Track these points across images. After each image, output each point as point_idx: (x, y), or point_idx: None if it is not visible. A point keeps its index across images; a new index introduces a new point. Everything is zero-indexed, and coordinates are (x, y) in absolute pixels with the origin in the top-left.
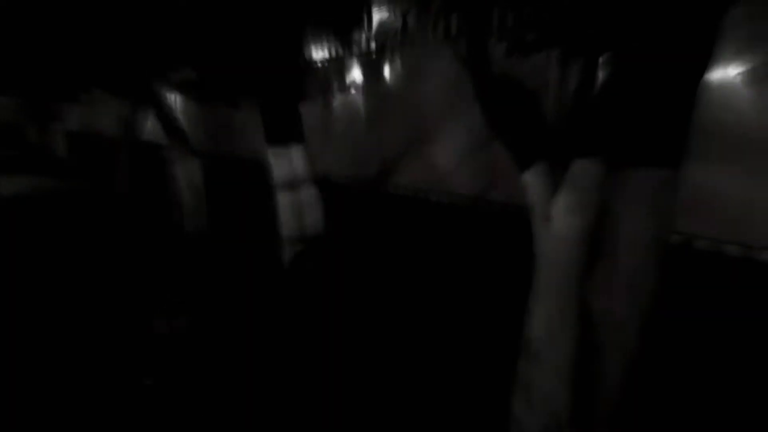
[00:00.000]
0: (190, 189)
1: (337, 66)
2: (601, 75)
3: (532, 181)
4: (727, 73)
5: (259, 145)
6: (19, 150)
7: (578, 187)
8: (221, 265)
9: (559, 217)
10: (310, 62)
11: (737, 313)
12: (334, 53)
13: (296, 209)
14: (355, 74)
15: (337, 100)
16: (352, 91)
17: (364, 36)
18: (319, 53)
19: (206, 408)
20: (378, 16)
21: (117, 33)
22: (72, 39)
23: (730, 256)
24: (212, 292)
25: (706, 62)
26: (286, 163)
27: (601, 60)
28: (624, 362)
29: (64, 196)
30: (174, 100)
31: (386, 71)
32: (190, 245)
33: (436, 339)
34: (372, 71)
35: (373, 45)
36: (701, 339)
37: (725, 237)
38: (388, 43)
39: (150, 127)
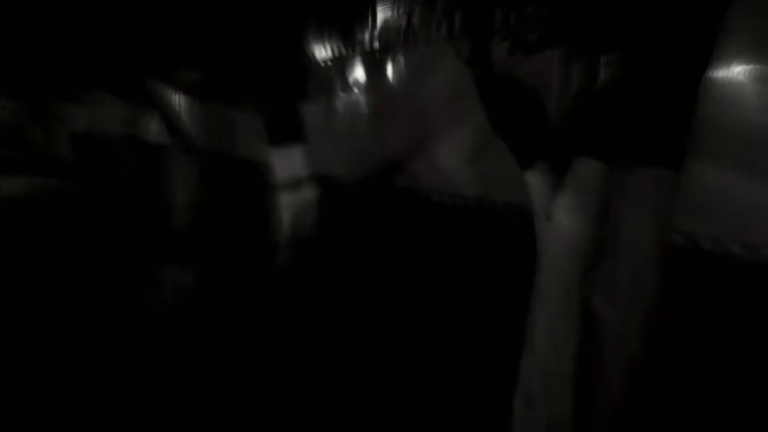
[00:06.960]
0: (191, 189)
1: (340, 65)
2: (603, 74)
3: (534, 181)
4: (731, 70)
5: (261, 145)
6: (22, 151)
7: (580, 187)
8: (218, 266)
9: (560, 217)
10: (313, 61)
11: (743, 315)
12: (337, 52)
13: (298, 210)
14: (359, 73)
15: (340, 100)
16: (355, 91)
17: (367, 35)
18: (321, 52)
19: (203, 407)
20: (382, 15)
21: (120, 33)
22: (75, 39)
23: (735, 256)
24: (209, 293)
25: (708, 60)
26: (288, 163)
27: (603, 59)
28: (627, 364)
29: (69, 197)
30: (177, 100)
31: (390, 71)
32: (188, 246)
33: (438, 339)
34: (375, 70)
35: (376, 44)
36: (705, 341)
37: (730, 237)
38: (391, 42)
39: (153, 127)
